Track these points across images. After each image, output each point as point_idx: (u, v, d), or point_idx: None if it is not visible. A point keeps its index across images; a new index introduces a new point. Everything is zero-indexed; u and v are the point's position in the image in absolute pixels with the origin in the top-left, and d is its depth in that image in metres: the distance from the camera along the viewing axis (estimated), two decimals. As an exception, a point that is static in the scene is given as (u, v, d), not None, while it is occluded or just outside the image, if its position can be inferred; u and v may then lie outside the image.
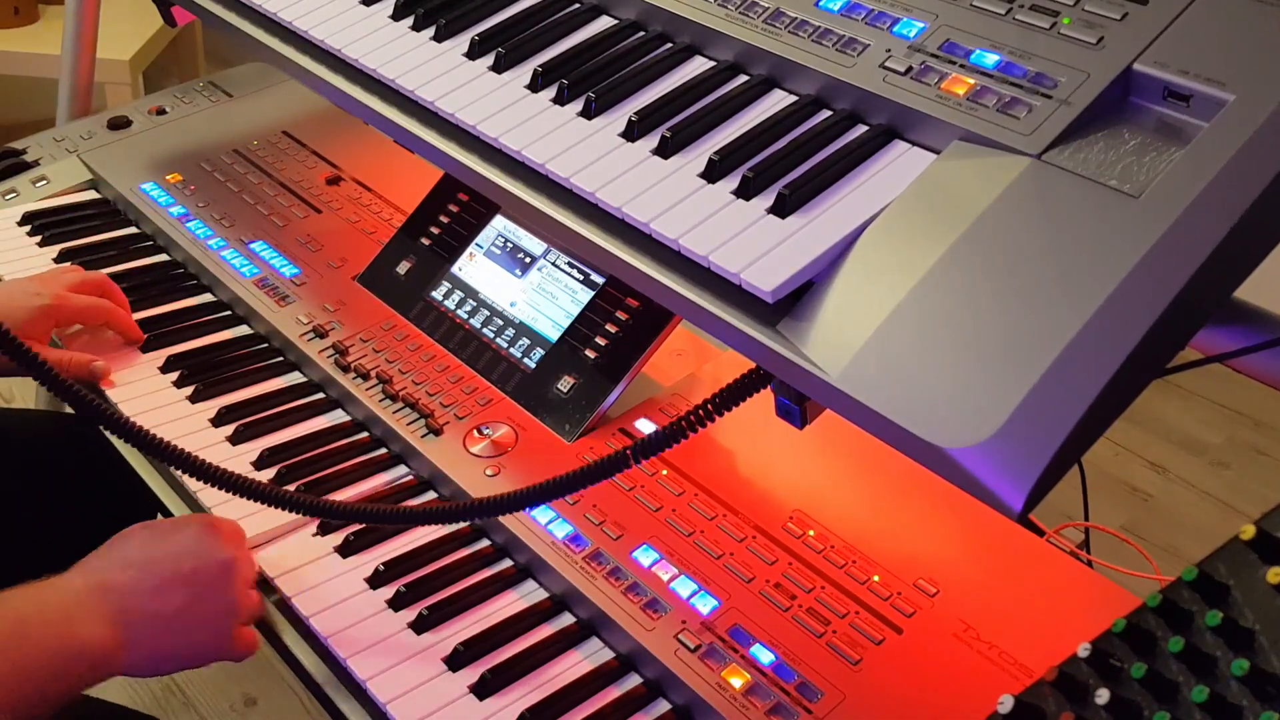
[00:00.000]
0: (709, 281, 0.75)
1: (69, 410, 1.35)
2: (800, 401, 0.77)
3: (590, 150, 0.84)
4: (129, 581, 0.87)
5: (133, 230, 1.44)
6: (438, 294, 1.24)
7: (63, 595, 0.85)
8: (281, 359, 1.24)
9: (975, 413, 0.63)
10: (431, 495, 1.09)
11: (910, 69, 0.79)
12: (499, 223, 1.25)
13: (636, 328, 1.11)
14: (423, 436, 1.10)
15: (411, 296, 1.25)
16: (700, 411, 0.80)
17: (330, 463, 1.10)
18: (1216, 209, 0.65)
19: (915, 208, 0.74)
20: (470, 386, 1.15)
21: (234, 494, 0.92)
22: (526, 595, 0.99)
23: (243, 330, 1.29)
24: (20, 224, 1.43)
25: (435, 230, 1.28)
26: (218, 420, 1.15)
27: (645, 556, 0.97)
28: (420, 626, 0.95)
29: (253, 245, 1.36)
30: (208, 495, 1.05)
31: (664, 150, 0.83)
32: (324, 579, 0.99)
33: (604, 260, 0.81)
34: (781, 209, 0.76)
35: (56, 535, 1.27)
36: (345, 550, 1.01)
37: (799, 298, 0.73)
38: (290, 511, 0.93)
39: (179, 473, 0.95)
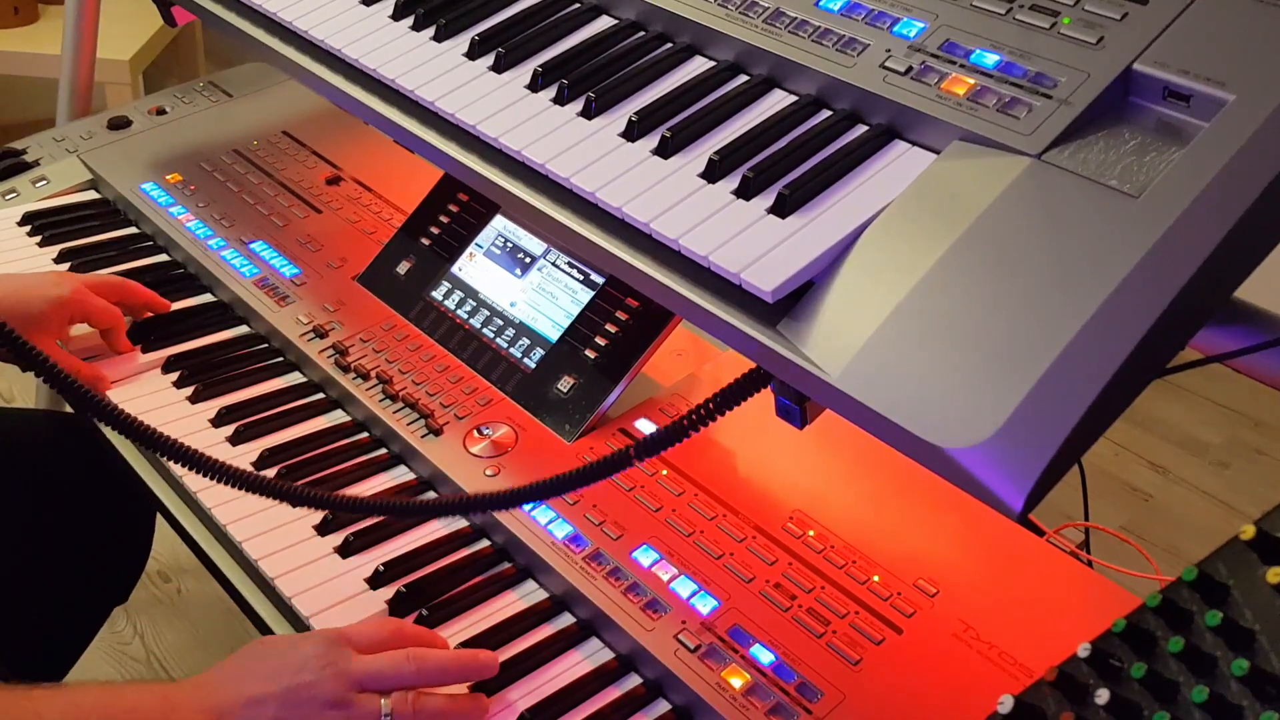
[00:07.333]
0: (709, 281, 0.75)
1: (69, 409, 1.36)
2: (800, 401, 0.77)
3: (590, 150, 0.84)
4: (231, 686, 0.86)
5: (133, 230, 1.44)
6: (438, 294, 1.24)
7: (169, 689, 0.87)
8: (281, 359, 1.24)
9: (975, 413, 0.63)
10: (431, 495, 1.09)
11: (910, 69, 0.79)
12: (499, 223, 1.25)
13: (636, 328, 1.11)
14: (423, 437, 1.10)
15: (411, 296, 1.25)
16: (701, 411, 0.80)
17: (330, 463, 1.10)
18: (1216, 209, 0.65)
19: (915, 208, 0.73)
20: (470, 386, 1.15)
21: (225, 484, 0.90)
22: (526, 596, 0.99)
23: (243, 330, 1.29)
24: (20, 224, 1.43)
25: (435, 230, 1.28)
26: (218, 420, 1.15)
27: (645, 557, 0.97)
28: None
29: (253, 245, 1.36)
30: (209, 495, 1.05)
31: (664, 150, 0.83)
32: (324, 579, 0.99)
33: (604, 260, 0.81)
34: (781, 209, 0.76)
35: (55, 535, 1.27)
36: (345, 550, 1.01)
37: (799, 298, 0.73)
38: (290, 504, 0.92)
39: (177, 467, 0.94)
